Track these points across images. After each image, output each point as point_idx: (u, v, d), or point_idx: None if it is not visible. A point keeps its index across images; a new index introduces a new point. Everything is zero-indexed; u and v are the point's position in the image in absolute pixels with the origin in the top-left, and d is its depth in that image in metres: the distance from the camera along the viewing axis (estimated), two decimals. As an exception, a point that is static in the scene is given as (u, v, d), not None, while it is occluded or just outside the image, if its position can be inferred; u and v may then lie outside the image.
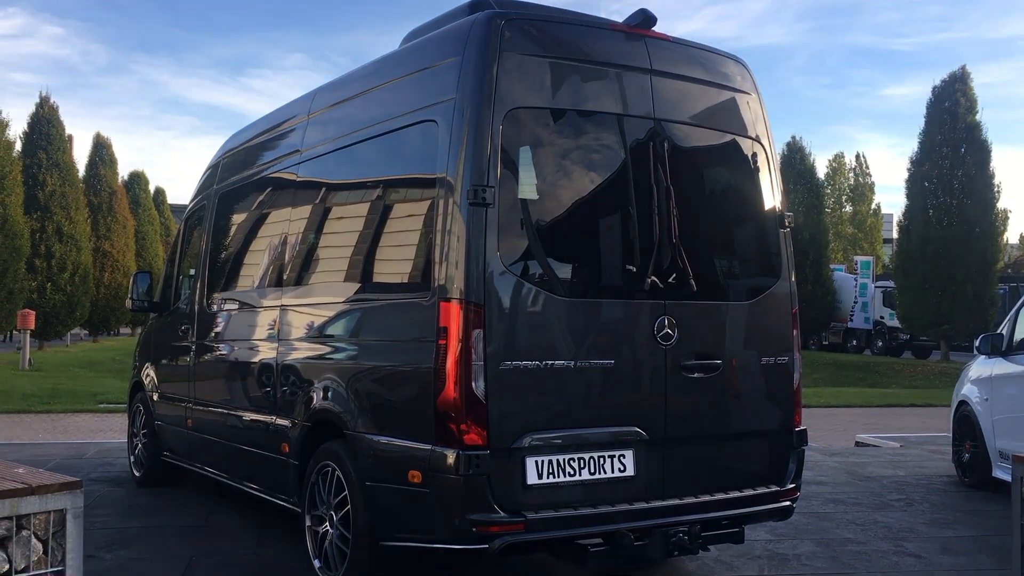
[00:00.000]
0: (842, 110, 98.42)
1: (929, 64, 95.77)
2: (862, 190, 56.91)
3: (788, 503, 5.13)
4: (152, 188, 47.78)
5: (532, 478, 4.32)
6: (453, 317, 4.26)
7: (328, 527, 5.00)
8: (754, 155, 5.27)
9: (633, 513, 4.51)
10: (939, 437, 12.02)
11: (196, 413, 7.00)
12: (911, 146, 30.74)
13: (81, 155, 35.19)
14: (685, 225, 4.80)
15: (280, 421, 5.64)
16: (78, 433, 12.42)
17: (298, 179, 5.97)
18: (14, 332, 26.93)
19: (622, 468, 4.56)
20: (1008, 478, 7.96)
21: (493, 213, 4.29)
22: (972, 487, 8.58)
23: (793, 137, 35.93)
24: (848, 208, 56.73)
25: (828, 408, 16.47)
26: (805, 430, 5.28)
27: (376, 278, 5.07)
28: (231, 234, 7.06)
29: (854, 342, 34.54)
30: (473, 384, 4.20)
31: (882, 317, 33.20)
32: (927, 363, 29.43)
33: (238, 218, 7.00)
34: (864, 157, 58.14)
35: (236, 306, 6.62)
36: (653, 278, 4.67)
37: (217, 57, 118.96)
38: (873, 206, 56.76)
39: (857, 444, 12.35)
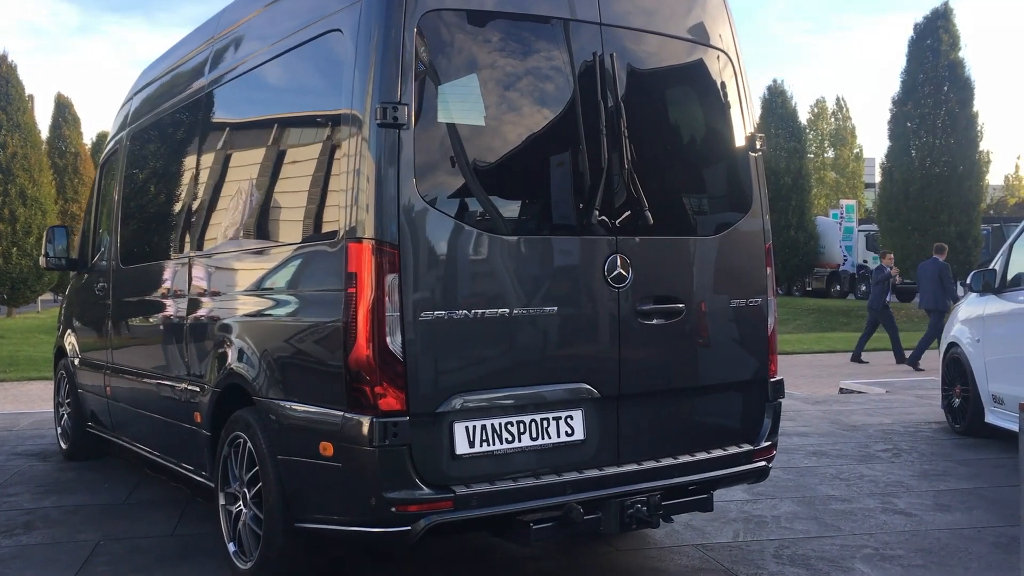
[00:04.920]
0: (824, 55, 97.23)
1: (911, 6, 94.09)
2: (843, 134, 56.05)
3: (763, 463, 4.52)
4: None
5: (462, 447, 3.70)
6: (364, 261, 3.60)
7: (242, 506, 4.38)
8: (720, 68, 4.58)
9: (583, 483, 3.90)
10: (926, 382, 11.56)
11: (114, 380, 6.34)
12: (894, 89, 29.90)
13: (46, 118, 34.24)
14: (639, 150, 4.13)
15: (191, 387, 4.99)
16: (28, 402, 11.79)
17: (203, 115, 5.25)
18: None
19: (569, 431, 3.94)
20: (1002, 423, 7.45)
21: (408, 136, 3.61)
22: (963, 434, 8.07)
23: (774, 80, 35.00)
24: (830, 153, 55.92)
25: (812, 355, 15.96)
26: (781, 380, 4.65)
27: (284, 223, 4.39)
28: (142, 181, 6.34)
29: (838, 287, 34.14)
30: (388, 339, 3.56)
31: (865, 261, 32.76)
32: (911, 306, 29.00)
33: (148, 163, 6.27)
34: (845, 101, 57.19)
35: (149, 262, 5.92)
36: (601, 211, 4.00)
37: (188, 16, 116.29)
38: (855, 150, 55.98)
39: (841, 391, 11.85)
